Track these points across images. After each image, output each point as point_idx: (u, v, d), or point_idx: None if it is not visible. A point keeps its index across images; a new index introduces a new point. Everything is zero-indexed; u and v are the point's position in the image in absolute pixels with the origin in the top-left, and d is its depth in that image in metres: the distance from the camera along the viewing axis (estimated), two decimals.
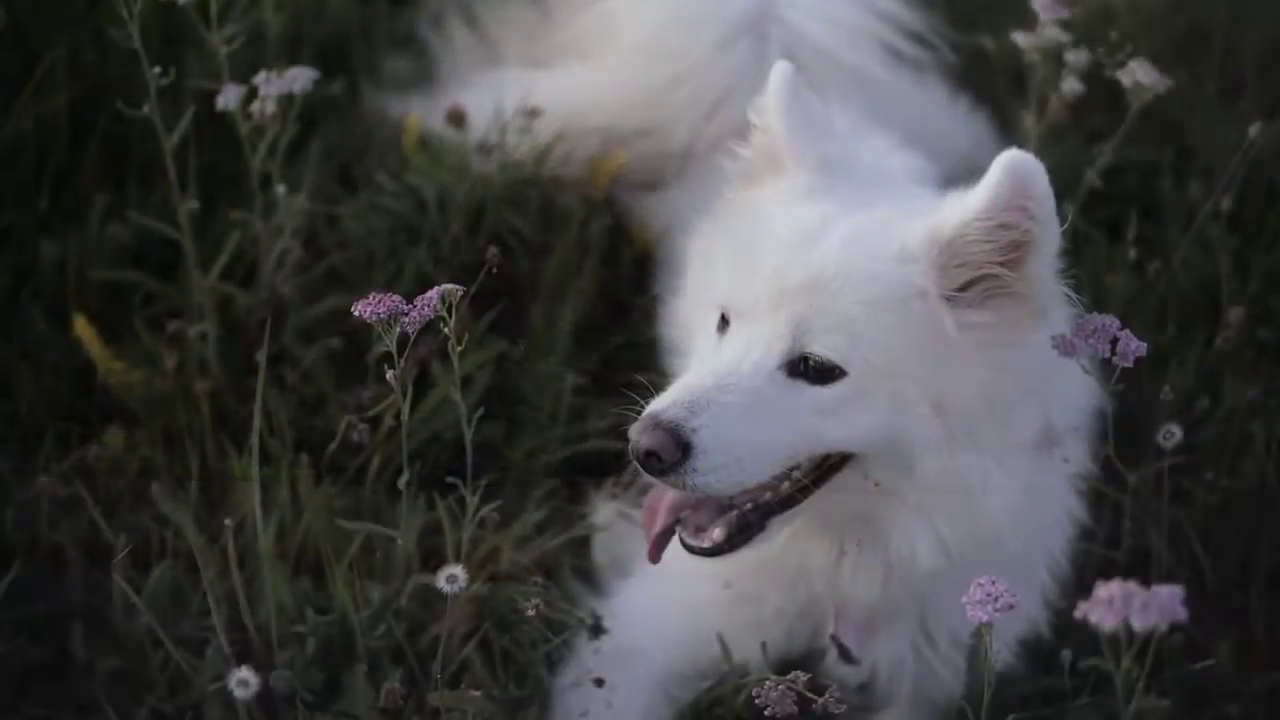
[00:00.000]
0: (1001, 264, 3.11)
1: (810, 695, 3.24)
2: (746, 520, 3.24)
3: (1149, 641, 2.60)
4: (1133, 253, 4.21)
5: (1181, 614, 2.52)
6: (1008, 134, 4.87)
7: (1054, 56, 4.33)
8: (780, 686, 3.23)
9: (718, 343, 3.25)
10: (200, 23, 3.88)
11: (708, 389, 3.11)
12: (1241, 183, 4.23)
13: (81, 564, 3.71)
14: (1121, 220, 4.55)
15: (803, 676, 3.25)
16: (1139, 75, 4.10)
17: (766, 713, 3.23)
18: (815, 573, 3.39)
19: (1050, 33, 4.27)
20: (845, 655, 3.41)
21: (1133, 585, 2.50)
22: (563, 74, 4.70)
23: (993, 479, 3.18)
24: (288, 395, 4.05)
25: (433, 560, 3.65)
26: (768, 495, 3.23)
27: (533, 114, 4.52)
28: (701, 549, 3.25)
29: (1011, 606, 2.88)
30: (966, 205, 3.10)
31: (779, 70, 3.38)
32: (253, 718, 3.35)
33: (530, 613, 3.36)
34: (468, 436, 3.36)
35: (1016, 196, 3.05)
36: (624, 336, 4.42)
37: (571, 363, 4.25)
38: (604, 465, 4.06)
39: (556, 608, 3.52)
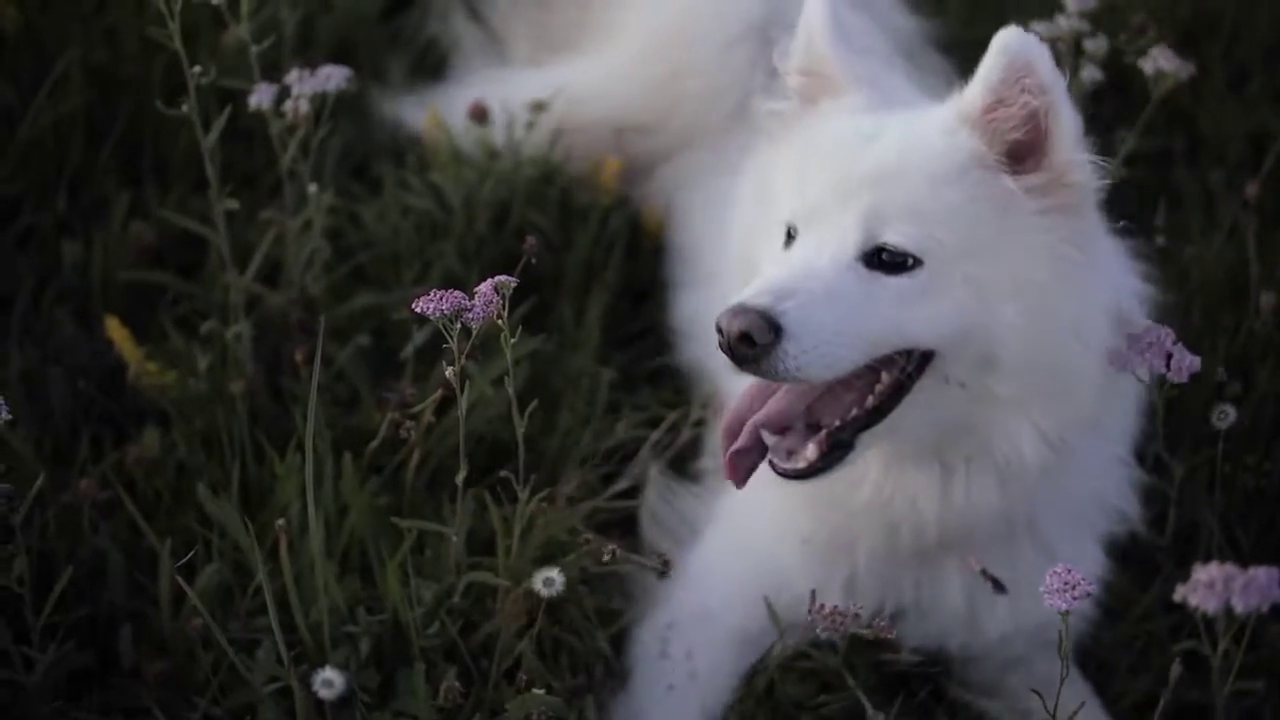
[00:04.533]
0: (1027, 141, 3.16)
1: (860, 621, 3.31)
2: (837, 439, 3.23)
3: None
4: (1161, 240, 4.23)
5: None
6: None
7: (1071, 45, 4.35)
8: (832, 606, 3.28)
9: (784, 251, 3.29)
10: (231, 19, 3.84)
11: (791, 278, 3.14)
12: (1259, 167, 4.26)
13: (124, 567, 3.68)
14: (1143, 209, 4.59)
15: (855, 606, 3.31)
16: (1161, 63, 4.12)
17: (820, 632, 3.30)
18: (925, 503, 3.36)
19: (1070, 22, 4.29)
20: (997, 585, 3.40)
21: (1231, 567, 2.51)
22: (573, 70, 4.69)
23: (1074, 355, 3.20)
24: (322, 394, 4.03)
25: (484, 556, 3.64)
26: (854, 410, 3.23)
27: (538, 108, 4.51)
28: (796, 470, 3.22)
29: (1089, 595, 2.90)
30: (972, 82, 3.20)
31: (819, 5, 3.41)
32: None
33: (606, 557, 3.41)
34: (519, 430, 3.35)
35: (1013, 74, 3.11)
36: (648, 324, 4.45)
37: (603, 357, 4.26)
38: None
39: (623, 559, 3.52)
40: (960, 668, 3.66)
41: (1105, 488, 3.57)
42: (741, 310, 3.07)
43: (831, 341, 3.09)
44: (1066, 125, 3.14)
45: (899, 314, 3.15)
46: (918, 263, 3.15)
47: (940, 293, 3.15)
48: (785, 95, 3.51)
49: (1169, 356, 3.27)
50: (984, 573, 3.40)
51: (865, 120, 3.31)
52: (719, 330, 3.09)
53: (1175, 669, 3.14)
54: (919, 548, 3.43)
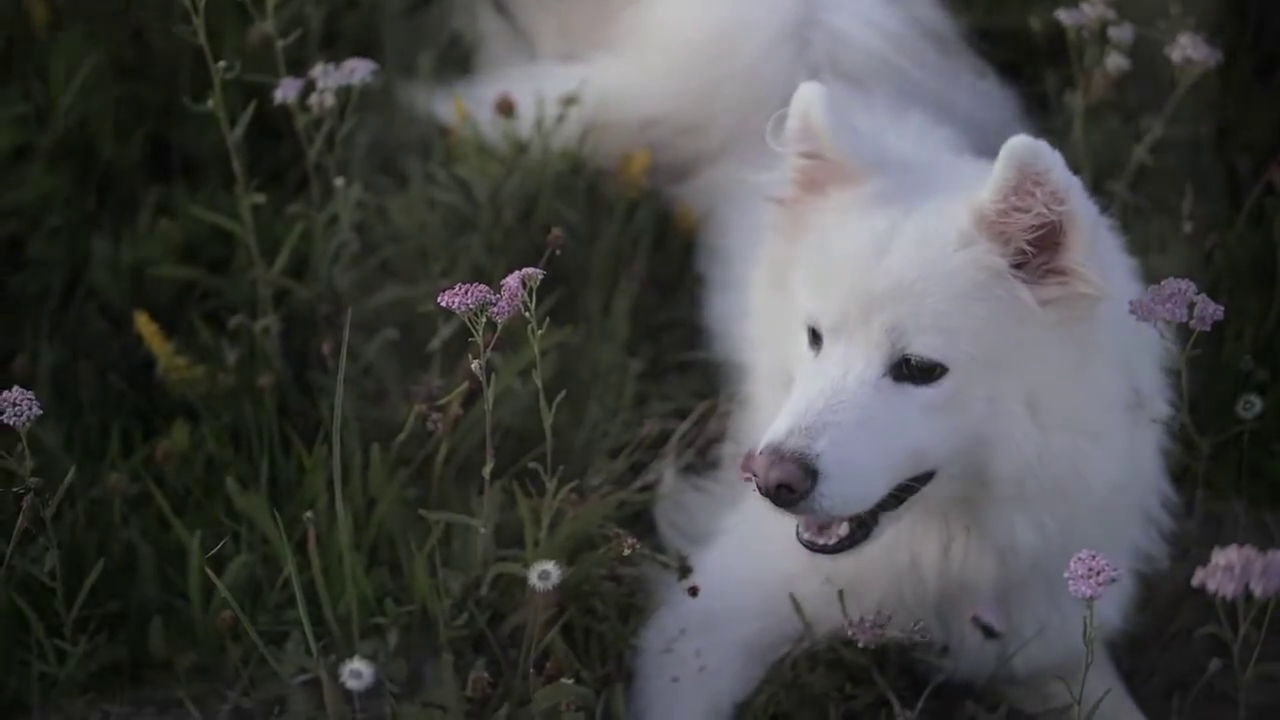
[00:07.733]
0: (1039, 244, 3.12)
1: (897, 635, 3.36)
2: (861, 519, 3.24)
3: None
4: (1188, 227, 4.22)
5: None
6: (1046, 111, 4.89)
7: (1096, 33, 4.33)
8: (867, 620, 3.33)
9: (814, 359, 3.25)
10: (256, 14, 3.86)
11: (820, 411, 3.12)
12: None
13: (154, 561, 3.70)
14: (1169, 196, 4.58)
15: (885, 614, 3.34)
16: (1189, 51, 4.11)
17: (860, 644, 3.35)
18: (927, 563, 3.41)
19: (1096, 9, 4.27)
20: (989, 632, 3.42)
21: (1251, 551, 2.51)
22: (604, 67, 4.69)
23: (1089, 460, 3.19)
24: (349, 387, 4.04)
25: (513, 547, 3.65)
26: None
27: (569, 102, 4.52)
28: (827, 546, 3.26)
29: (1114, 580, 2.90)
30: (985, 187, 3.12)
31: (814, 91, 3.32)
32: (341, 710, 3.36)
33: (627, 551, 3.44)
34: (547, 421, 3.37)
35: (1025, 181, 3.05)
36: (675, 316, 4.45)
37: (632, 349, 4.27)
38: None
39: (643, 556, 3.57)
40: None
41: (1127, 534, 3.56)
42: (778, 458, 3.09)
43: (864, 478, 3.13)
44: (1083, 233, 3.10)
45: (922, 429, 3.16)
46: (944, 370, 3.15)
47: (961, 407, 3.17)
48: (784, 176, 3.43)
49: (1191, 305, 3.26)
50: (975, 620, 3.44)
51: (879, 221, 3.21)
52: (754, 474, 3.11)
53: (1214, 663, 3.14)
54: (920, 600, 3.47)
